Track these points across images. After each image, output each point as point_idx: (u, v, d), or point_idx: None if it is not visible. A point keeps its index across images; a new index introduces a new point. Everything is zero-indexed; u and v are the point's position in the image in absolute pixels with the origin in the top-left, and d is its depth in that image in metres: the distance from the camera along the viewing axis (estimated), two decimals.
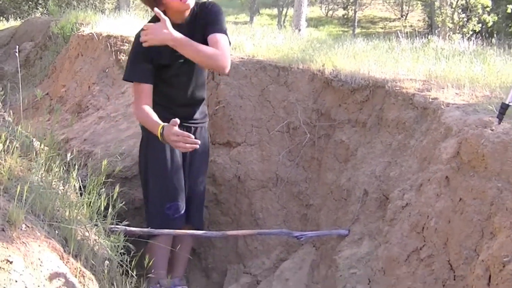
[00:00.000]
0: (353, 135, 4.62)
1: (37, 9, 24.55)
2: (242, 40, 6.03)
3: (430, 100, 3.98)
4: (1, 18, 18.48)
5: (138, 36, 4.01)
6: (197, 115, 4.29)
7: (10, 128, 3.80)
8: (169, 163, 4.10)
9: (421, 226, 3.47)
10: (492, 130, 3.18)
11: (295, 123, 4.94)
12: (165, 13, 3.86)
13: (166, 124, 3.58)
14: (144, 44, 3.67)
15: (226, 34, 3.92)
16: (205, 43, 3.88)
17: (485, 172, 3.10)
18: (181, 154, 4.18)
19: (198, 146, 3.50)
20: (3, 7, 25.37)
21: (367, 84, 4.59)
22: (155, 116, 3.79)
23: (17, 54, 9.11)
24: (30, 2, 26.06)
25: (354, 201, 4.32)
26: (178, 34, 3.67)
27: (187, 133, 3.50)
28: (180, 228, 4.09)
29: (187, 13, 3.97)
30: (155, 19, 3.90)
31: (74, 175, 3.58)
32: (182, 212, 4.10)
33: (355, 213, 4.26)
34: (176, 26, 3.84)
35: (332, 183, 4.66)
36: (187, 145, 3.47)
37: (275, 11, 42.09)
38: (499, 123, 3.12)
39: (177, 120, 3.45)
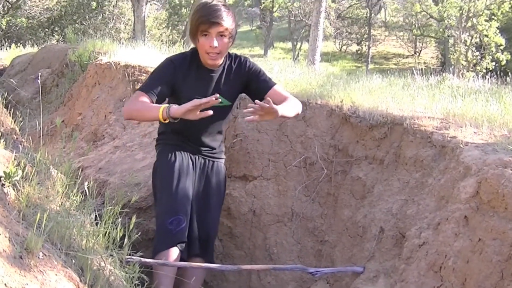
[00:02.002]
0: (370, 172, 4.60)
1: (53, 36, 24.85)
2: None
3: (449, 138, 3.96)
4: (18, 44, 18.64)
5: (167, 59, 4.14)
6: (211, 147, 4.32)
7: (29, 155, 3.80)
8: (175, 182, 4.09)
9: (439, 265, 3.44)
10: None
11: (312, 159, 4.93)
12: (197, 52, 4.07)
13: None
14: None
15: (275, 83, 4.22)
16: (234, 93, 4.26)
17: (505, 213, 3.08)
18: (190, 180, 4.20)
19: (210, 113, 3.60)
20: (20, 33, 25.68)
21: (385, 121, 4.58)
22: (152, 104, 3.85)
23: (38, 81, 9.16)
24: (46, 29, 26.38)
25: (370, 238, 4.29)
26: (281, 111, 3.76)
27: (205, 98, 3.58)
28: (181, 242, 4.05)
29: (218, 63, 4.11)
30: (190, 51, 4.17)
31: (91, 204, 3.59)
32: (183, 225, 4.03)
33: (370, 250, 4.23)
34: (206, 71, 4.07)
35: (348, 220, 4.63)
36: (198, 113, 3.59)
37: (289, 44, 42.36)
38: None
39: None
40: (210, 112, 3.60)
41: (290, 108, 3.92)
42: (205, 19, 3.86)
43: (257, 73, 4.20)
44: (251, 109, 3.61)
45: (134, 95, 4.04)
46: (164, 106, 3.69)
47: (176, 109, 3.62)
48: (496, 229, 3.09)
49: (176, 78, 4.03)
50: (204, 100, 3.53)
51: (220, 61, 4.08)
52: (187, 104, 3.59)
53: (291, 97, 4.09)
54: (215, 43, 3.88)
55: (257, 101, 3.59)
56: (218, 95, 3.57)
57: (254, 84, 4.19)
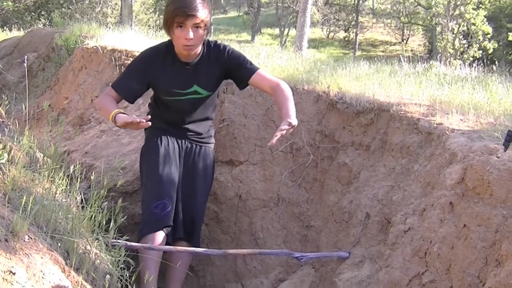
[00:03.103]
0: (356, 158, 4.62)
1: (40, 20, 24.64)
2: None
3: (435, 125, 3.98)
4: (4, 28, 18.52)
5: (140, 54, 4.19)
6: (197, 132, 4.33)
7: (15, 138, 3.79)
8: (160, 167, 4.12)
9: (424, 251, 3.46)
10: (498, 157, 3.17)
11: (299, 144, 4.94)
12: (171, 45, 4.06)
13: (121, 112, 3.76)
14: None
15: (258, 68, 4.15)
16: (214, 82, 4.22)
17: (490, 199, 3.09)
18: (176, 164, 4.22)
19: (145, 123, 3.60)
20: (6, 17, 25.48)
21: (372, 108, 4.59)
22: (113, 105, 3.93)
23: (25, 64, 9.12)
24: (32, 13, 26.17)
25: (355, 224, 4.31)
26: (294, 118, 3.75)
27: (135, 118, 3.60)
28: (167, 226, 4.07)
29: (196, 54, 4.08)
30: (164, 44, 4.16)
31: (77, 188, 3.58)
32: (168, 210, 4.06)
33: (356, 235, 4.25)
34: (182, 64, 4.08)
35: (334, 205, 4.65)
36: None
37: (276, 31, 42.27)
38: (505, 151, 3.13)
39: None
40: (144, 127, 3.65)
41: (293, 104, 3.92)
42: (181, 11, 3.82)
43: (237, 59, 4.15)
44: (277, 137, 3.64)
45: (106, 90, 4.17)
46: (115, 111, 3.77)
47: (119, 119, 3.70)
48: (481, 215, 3.11)
49: (149, 74, 4.09)
50: (135, 121, 3.58)
51: (196, 51, 4.07)
52: (124, 118, 3.66)
53: (279, 81, 4.08)
54: (191, 35, 3.86)
55: (279, 133, 3.63)
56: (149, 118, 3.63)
57: (237, 72, 4.16)
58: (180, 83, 4.11)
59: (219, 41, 4.24)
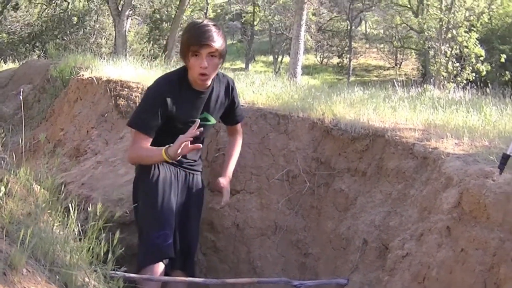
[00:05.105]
0: (352, 184, 4.61)
1: (34, 51, 24.68)
2: (242, 87, 6.06)
3: (430, 149, 3.99)
4: None
5: (156, 83, 4.23)
6: (193, 159, 4.34)
7: (11, 171, 3.79)
8: (160, 196, 4.11)
9: (422, 276, 3.46)
10: (493, 180, 3.19)
11: (295, 172, 4.93)
12: (186, 72, 4.09)
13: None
14: None
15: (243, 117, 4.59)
16: (221, 111, 4.37)
17: (487, 223, 3.10)
18: (174, 193, 4.22)
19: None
20: (1, 49, 25.49)
21: (367, 133, 4.60)
22: (152, 148, 4.06)
23: (20, 96, 9.12)
24: (27, 45, 26.21)
25: (353, 250, 4.30)
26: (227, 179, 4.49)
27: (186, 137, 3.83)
28: (169, 257, 4.05)
29: (208, 83, 4.12)
30: (175, 73, 4.24)
31: (74, 220, 3.57)
32: (170, 241, 4.05)
33: (354, 262, 4.24)
34: (196, 92, 4.12)
35: (331, 232, 4.64)
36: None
37: (270, 58, 42.37)
38: (501, 174, 3.14)
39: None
40: (200, 131, 3.83)
41: (234, 163, 4.60)
42: (195, 40, 3.87)
43: (236, 102, 4.40)
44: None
45: (135, 139, 4.18)
46: (163, 150, 3.90)
47: (173, 152, 3.87)
48: (479, 239, 3.12)
49: (168, 108, 4.05)
50: (188, 136, 3.78)
51: (210, 82, 4.09)
52: (176, 144, 3.83)
53: (240, 136, 4.64)
54: (205, 64, 3.88)
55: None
56: (198, 125, 3.85)
57: (231, 112, 4.39)
58: (195, 112, 4.14)
59: (225, 74, 4.39)
